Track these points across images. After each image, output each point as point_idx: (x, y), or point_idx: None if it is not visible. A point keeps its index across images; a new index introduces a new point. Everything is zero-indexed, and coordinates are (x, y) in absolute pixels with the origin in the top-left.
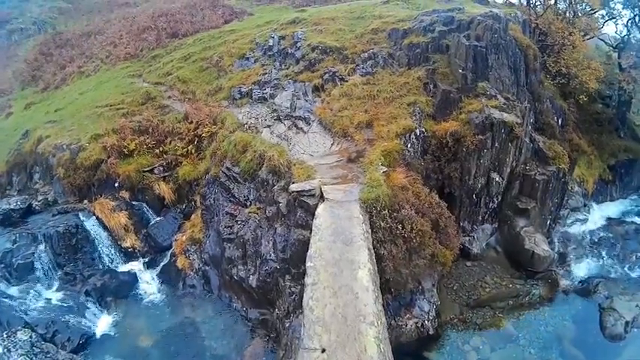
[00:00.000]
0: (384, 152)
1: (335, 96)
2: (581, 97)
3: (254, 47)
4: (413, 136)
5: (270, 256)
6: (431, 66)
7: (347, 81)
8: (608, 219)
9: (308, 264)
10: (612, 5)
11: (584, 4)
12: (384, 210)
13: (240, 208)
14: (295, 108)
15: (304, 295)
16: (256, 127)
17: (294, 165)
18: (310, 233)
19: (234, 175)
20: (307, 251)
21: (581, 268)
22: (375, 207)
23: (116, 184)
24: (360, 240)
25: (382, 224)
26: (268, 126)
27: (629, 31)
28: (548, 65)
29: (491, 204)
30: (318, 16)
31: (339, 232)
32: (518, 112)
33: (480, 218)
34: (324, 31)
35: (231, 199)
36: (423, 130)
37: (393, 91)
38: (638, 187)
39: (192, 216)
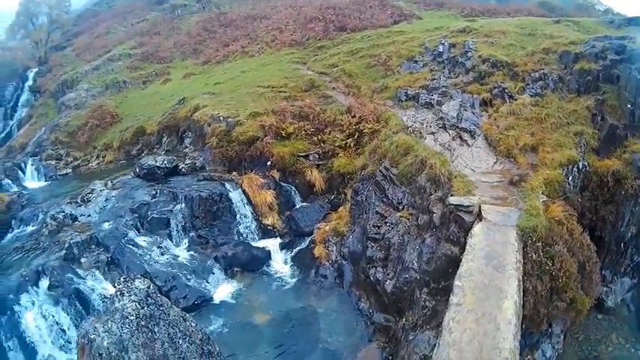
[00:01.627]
0: (546, 181)
1: (503, 113)
2: None
3: (423, 51)
4: (575, 168)
5: (413, 264)
6: (600, 96)
7: (516, 99)
8: None
9: (456, 283)
10: None
11: None
12: (538, 242)
13: (391, 210)
14: (461, 119)
15: (446, 314)
16: (420, 132)
17: (455, 177)
18: (460, 251)
19: (392, 176)
20: (452, 268)
21: None
22: (530, 237)
23: (268, 163)
24: (511, 269)
25: (534, 256)
26: (432, 133)
27: None
28: None
29: (636, 257)
30: (488, 27)
31: (492, 257)
32: None
33: (622, 270)
34: (495, 44)
35: (384, 199)
36: (586, 164)
37: (561, 118)
38: None
39: (340, 208)
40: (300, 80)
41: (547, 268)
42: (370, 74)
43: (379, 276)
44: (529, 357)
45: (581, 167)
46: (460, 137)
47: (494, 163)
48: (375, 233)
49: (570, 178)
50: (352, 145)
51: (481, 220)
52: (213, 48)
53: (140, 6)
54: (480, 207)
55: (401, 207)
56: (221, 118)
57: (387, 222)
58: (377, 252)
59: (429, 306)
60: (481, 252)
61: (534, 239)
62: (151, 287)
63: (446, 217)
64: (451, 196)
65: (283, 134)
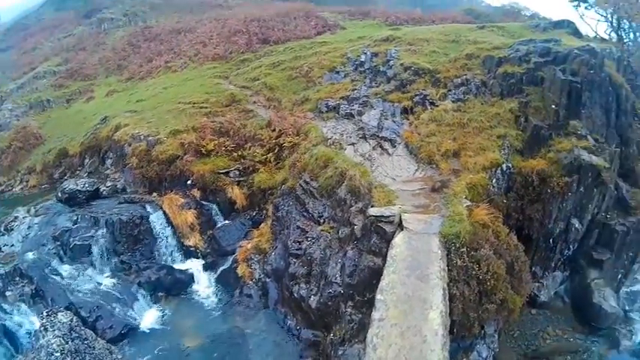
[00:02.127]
0: (469, 185)
1: (424, 120)
2: None
3: (345, 62)
4: (499, 171)
5: (336, 279)
6: (524, 98)
7: (437, 106)
8: None
9: (378, 297)
10: None
11: None
12: (463, 247)
13: (312, 224)
14: (382, 128)
15: (369, 330)
16: (340, 144)
17: (375, 187)
18: (383, 262)
19: (312, 189)
20: (376, 280)
21: None
22: (454, 243)
23: (188, 182)
24: (435, 278)
25: (459, 262)
26: (353, 144)
27: None
28: (637, 108)
29: (566, 251)
30: (412, 35)
31: (415, 267)
32: (607, 155)
33: (553, 265)
34: (418, 52)
35: (305, 213)
36: (510, 165)
37: (484, 121)
38: None
39: (262, 225)
40: (222, 95)
41: (474, 272)
42: (291, 86)
43: (303, 292)
44: (465, 359)
45: (505, 169)
46: (381, 146)
47: (416, 170)
48: (297, 249)
49: (494, 181)
50: (272, 160)
51: (402, 229)
52: (137, 64)
53: (69, 19)
54: (400, 217)
55: (322, 220)
56: (141, 137)
57: (308, 237)
58: (299, 268)
59: (355, 319)
60: (403, 263)
61: (458, 245)
62: (74, 320)
63: (367, 229)
64: (371, 207)
65: (203, 151)
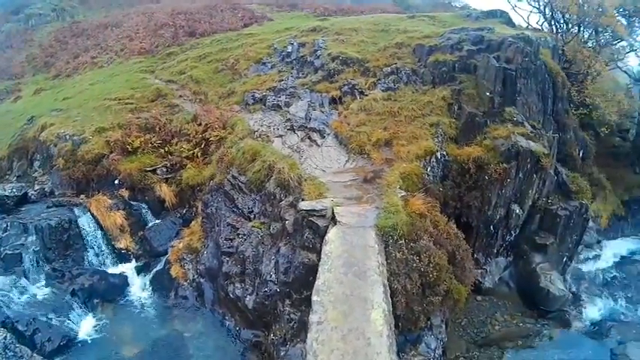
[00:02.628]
0: (403, 175)
1: (353, 110)
2: (602, 129)
3: (272, 53)
4: (434, 159)
5: (271, 277)
6: (457, 86)
7: (367, 95)
8: (621, 257)
9: (314, 298)
10: (635, 37)
11: (607, 34)
12: (401, 239)
13: (243, 220)
14: (310, 119)
15: (308, 335)
16: (268, 136)
17: (305, 180)
18: (318, 258)
19: (240, 184)
20: (312, 276)
21: (594, 310)
22: (391, 236)
23: (116, 182)
24: (374, 274)
25: (398, 255)
26: (280, 136)
27: None
28: (572, 95)
29: (508, 237)
30: (340, 26)
31: (352, 263)
32: (545, 141)
33: (495, 251)
34: (346, 42)
35: (235, 209)
36: (445, 153)
37: (416, 110)
38: None
39: (192, 223)
40: (148, 90)
41: (414, 265)
42: (218, 79)
43: (238, 292)
44: (413, 352)
45: (439, 157)
46: (309, 138)
47: (347, 161)
48: (229, 247)
49: (429, 169)
50: (199, 155)
51: (336, 224)
52: (63, 60)
53: None
54: (333, 210)
55: (252, 216)
56: (67, 137)
57: (239, 234)
58: (233, 267)
59: (294, 318)
60: (339, 260)
61: (396, 238)
62: (8, 338)
63: (299, 224)
64: (302, 200)
65: (130, 149)
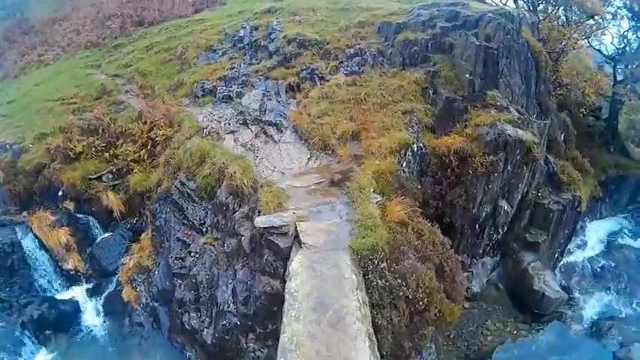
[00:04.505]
0: (377, 174)
1: (313, 98)
2: (581, 110)
3: (223, 38)
4: (409, 152)
5: (229, 307)
6: (431, 68)
7: (328, 80)
8: (607, 243)
9: None
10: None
11: (580, 12)
12: (383, 262)
13: (194, 234)
14: (265, 111)
15: None
16: (218, 133)
17: (262, 187)
18: (281, 285)
19: (189, 191)
20: (277, 306)
21: (590, 308)
22: (371, 260)
23: (59, 193)
24: (355, 320)
25: (380, 283)
26: (232, 132)
27: (627, 42)
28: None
29: (495, 235)
30: (296, 5)
31: (326, 305)
32: (534, 129)
33: (481, 251)
34: (303, 22)
35: (185, 221)
36: (422, 145)
37: (385, 96)
38: (628, 205)
39: (143, 235)
40: (92, 87)
41: (401, 292)
42: (166, 71)
43: (195, 323)
44: None
45: (416, 150)
46: (265, 133)
47: (309, 159)
48: (180, 267)
49: (405, 164)
50: (146, 158)
51: (301, 245)
52: (11, 60)
53: None
54: (296, 226)
55: (205, 229)
56: (7, 146)
57: (190, 251)
58: (186, 292)
59: (260, 355)
60: (308, 301)
61: (377, 262)
62: None
63: (256, 242)
64: (258, 212)
65: (72, 155)
